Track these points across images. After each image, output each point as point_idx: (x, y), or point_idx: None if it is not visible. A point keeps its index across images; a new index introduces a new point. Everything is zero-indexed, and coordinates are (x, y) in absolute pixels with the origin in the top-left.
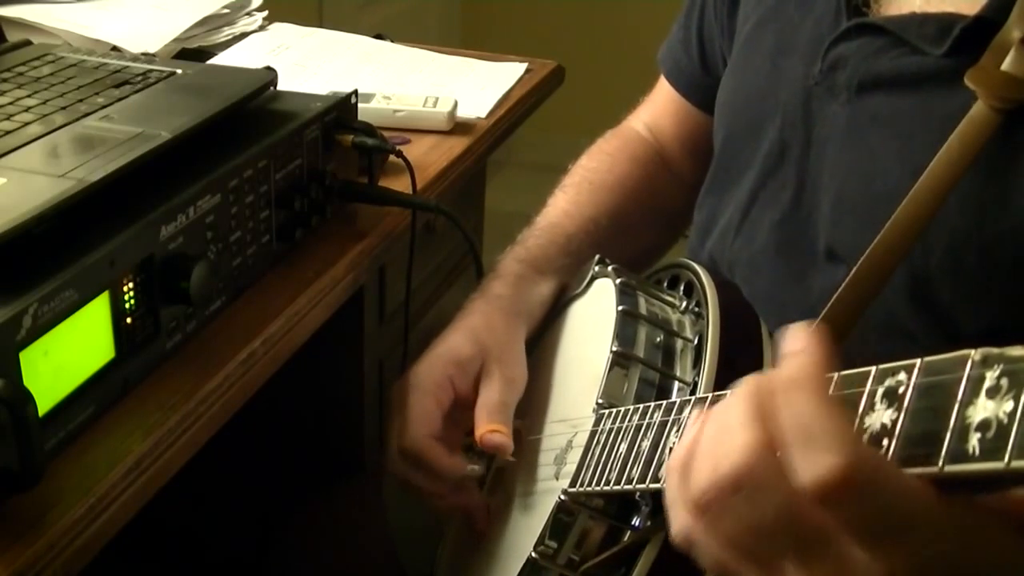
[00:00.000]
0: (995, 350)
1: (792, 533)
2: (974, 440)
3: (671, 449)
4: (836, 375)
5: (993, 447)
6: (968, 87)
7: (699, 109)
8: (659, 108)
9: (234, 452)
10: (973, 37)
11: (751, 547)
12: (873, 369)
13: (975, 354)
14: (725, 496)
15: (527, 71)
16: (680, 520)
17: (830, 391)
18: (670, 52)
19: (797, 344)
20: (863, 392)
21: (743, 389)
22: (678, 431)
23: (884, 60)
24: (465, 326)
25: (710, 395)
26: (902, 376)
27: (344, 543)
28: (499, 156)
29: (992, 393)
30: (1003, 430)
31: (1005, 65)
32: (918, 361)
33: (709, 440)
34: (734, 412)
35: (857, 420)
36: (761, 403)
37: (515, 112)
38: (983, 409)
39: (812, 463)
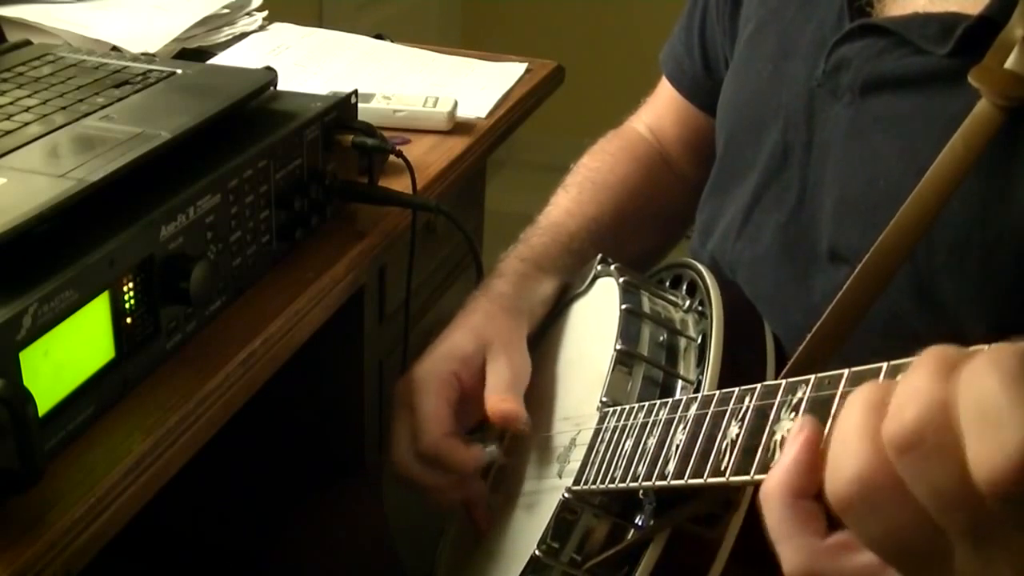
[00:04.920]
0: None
1: (963, 521)
2: None
3: (678, 446)
4: (847, 371)
5: None
6: (972, 86)
7: (701, 111)
8: (661, 109)
9: (234, 452)
10: (976, 36)
11: (912, 535)
12: (885, 365)
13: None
14: (895, 453)
15: (527, 71)
16: (796, 554)
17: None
18: (672, 53)
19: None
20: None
21: (924, 356)
22: (684, 428)
23: (888, 61)
24: (467, 324)
25: (716, 392)
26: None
27: (344, 543)
28: (499, 156)
29: None
30: None
31: (1009, 63)
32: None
33: (856, 423)
34: (913, 375)
35: None
36: (947, 366)
37: (515, 112)
38: None
39: (991, 446)
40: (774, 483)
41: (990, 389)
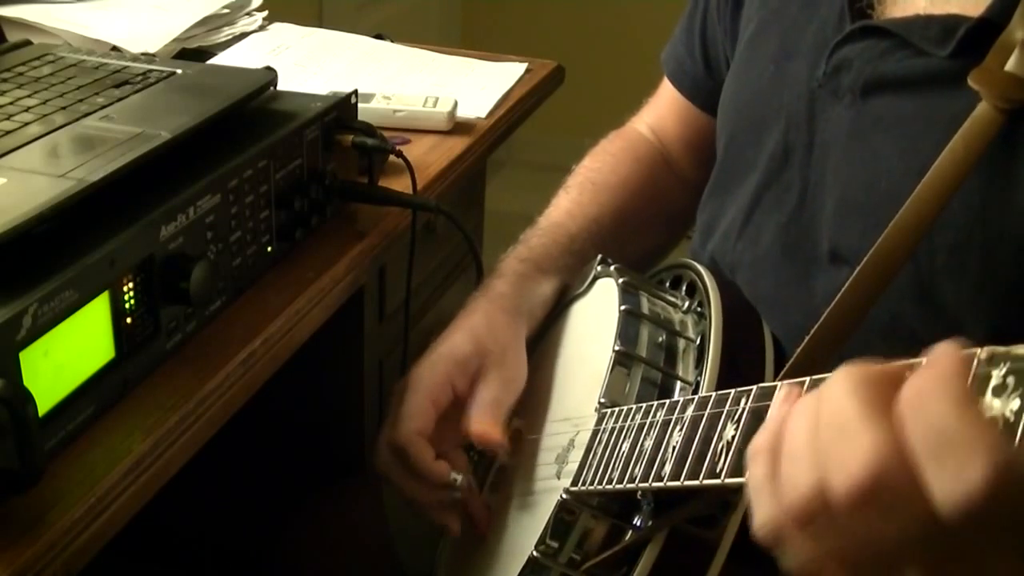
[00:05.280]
0: (1001, 348)
1: (925, 549)
2: None
3: (674, 448)
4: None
5: None
6: (972, 88)
7: (702, 111)
8: (662, 110)
9: (234, 452)
10: (977, 38)
11: (866, 563)
12: None
13: (981, 352)
14: (846, 509)
15: (527, 71)
16: (768, 514)
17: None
18: (673, 54)
19: (933, 357)
20: None
21: (851, 379)
22: (680, 429)
23: (889, 62)
24: (466, 325)
25: (712, 394)
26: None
27: (344, 543)
28: (499, 156)
29: (999, 391)
30: (1010, 428)
31: (1009, 66)
32: (923, 359)
33: (804, 431)
34: (847, 404)
35: None
36: (882, 396)
37: (515, 112)
38: (989, 407)
39: (953, 476)
40: (762, 441)
41: (943, 416)
